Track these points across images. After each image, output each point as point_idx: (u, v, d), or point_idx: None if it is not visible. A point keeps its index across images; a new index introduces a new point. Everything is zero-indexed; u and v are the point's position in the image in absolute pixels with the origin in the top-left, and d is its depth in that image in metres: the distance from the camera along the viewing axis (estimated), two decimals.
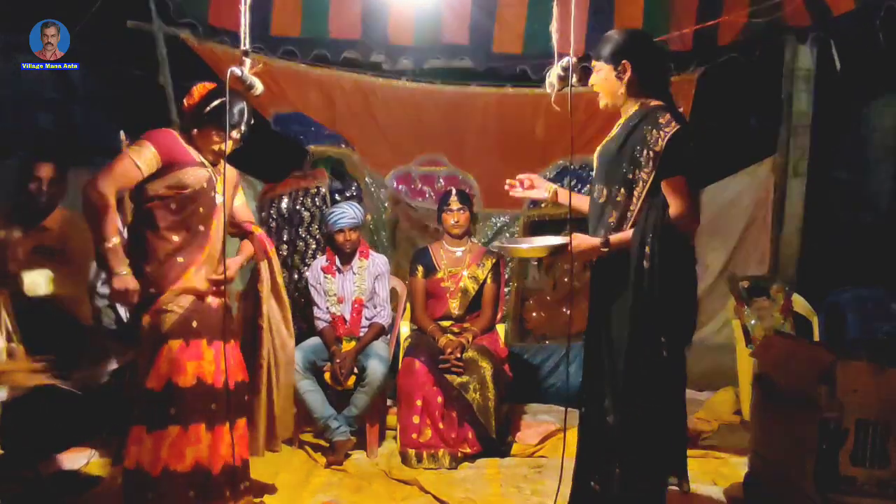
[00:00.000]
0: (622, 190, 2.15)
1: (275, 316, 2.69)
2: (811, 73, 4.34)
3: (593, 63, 2.23)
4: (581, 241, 2.18)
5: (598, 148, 2.31)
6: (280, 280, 2.73)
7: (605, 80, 2.21)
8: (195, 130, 2.44)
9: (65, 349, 3.00)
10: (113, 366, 3.11)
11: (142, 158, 2.30)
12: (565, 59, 2.10)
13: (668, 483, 2.27)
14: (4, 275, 2.97)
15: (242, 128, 2.47)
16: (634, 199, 2.13)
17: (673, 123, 2.06)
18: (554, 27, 2.07)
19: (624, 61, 2.16)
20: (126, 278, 2.29)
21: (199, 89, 2.46)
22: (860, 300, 3.97)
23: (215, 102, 2.39)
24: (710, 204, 4.61)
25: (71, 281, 3.13)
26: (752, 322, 3.98)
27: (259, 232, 2.68)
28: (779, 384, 2.70)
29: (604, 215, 2.21)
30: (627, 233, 2.12)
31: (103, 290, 3.66)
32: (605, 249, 2.14)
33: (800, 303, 4.10)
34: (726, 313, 4.48)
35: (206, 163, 2.46)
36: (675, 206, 2.06)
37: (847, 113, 4.64)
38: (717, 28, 4.08)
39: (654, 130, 2.07)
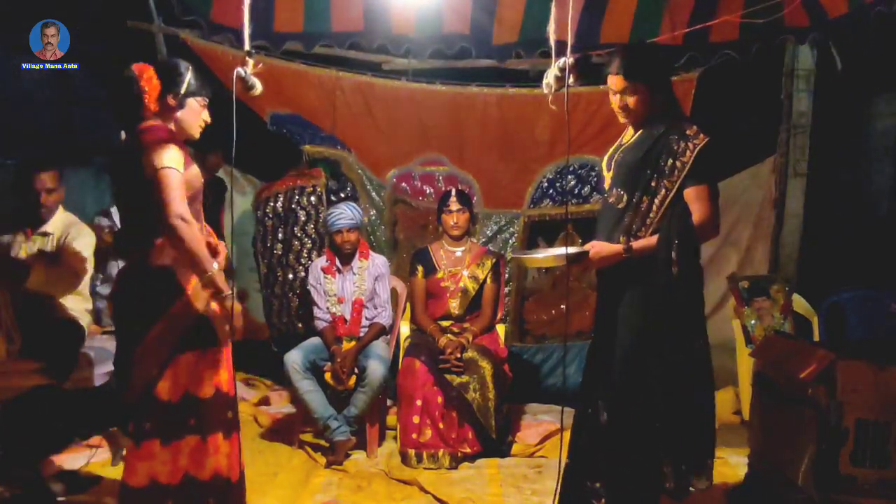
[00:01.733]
0: (644, 197, 2.17)
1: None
2: (811, 73, 4.34)
3: (620, 84, 2.19)
4: (601, 248, 2.20)
5: (613, 153, 2.31)
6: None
7: (643, 102, 2.19)
8: (178, 114, 2.28)
9: (63, 350, 3.01)
10: (109, 367, 3.10)
11: (178, 161, 2.15)
12: (562, 60, 2.10)
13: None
14: (6, 277, 2.98)
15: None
16: (655, 207, 2.16)
17: (701, 136, 2.12)
18: (551, 28, 2.07)
19: (662, 79, 2.22)
20: (227, 298, 2.22)
21: (148, 71, 2.24)
22: (860, 300, 3.97)
23: (188, 75, 2.28)
24: (722, 204, 4.59)
25: (70, 283, 3.13)
26: (752, 322, 3.98)
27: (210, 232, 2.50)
28: (779, 384, 2.70)
29: (622, 221, 2.21)
30: (651, 239, 2.14)
31: (103, 290, 3.68)
32: (627, 255, 2.16)
33: (800, 303, 4.10)
34: (726, 313, 4.48)
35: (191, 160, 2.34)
36: (698, 214, 2.11)
37: (847, 113, 4.63)
38: (709, 26, 4.06)
39: (682, 141, 2.12)
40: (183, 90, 2.27)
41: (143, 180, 2.14)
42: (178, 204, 2.10)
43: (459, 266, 3.78)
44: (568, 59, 2.06)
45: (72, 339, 3.09)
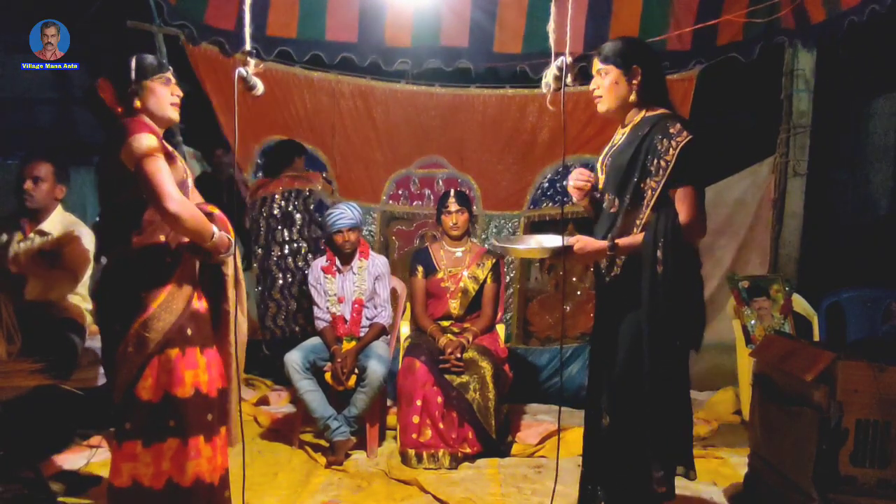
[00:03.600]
0: (632, 199, 2.15)
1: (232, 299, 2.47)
2: (811, 73, 4.35)
3: (597, 67, 2.20)
4: (585, 243, 2.17)
5: (604, 156, 2.29)
6: (239, 262, 2.51)
7: (614, 85, 2.18)
8: (142, 102, 2.22)
9: (64, 349, 3.01)
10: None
11: (156, 148, 2.13)
12: (560, 59, 2.09)
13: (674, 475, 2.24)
14: (6, 277, 2.97)
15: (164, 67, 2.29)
16: (643, 208, 2.13)
17: (684, 133, 2.06)
18: (551, 27, 2.06)
19: (635, 66, 2.15)
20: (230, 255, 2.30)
21: (101, 81, 2.24)
22: (860, 300, 3.97)
23: (134, 62, 2.22)
24: (715, 204, 4.62)
25: (70, 283, 3.13)
26: (752, 322, 3.98)
27: (218, 212, 2.42)
28: (779, 384, 2.70)
29: (614, 225, 2.19)
30: (637, 237, 2.11)
31: None
32: (612, 253, 2.14)
33: (800, 303, 4.10)
34: (726, 313, 4.48)
35: (176, 153, 2.29)
36: (683, 215, 2.07)
37: (847, 113, 4.64)
38: (716, 28, 4.08)
39: (665, 140, 2.08)
40: (133, 78, 2.21)
41: (122, 176, 2.12)
42: (169, 186, 2.08)
43: (459, 266, 3.78)
44: (566, 59, 2.06)
45: (73, 339, 3.10)
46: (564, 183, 2.41)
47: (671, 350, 2.11)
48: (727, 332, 4.21)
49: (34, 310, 2.95)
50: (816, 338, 3.96)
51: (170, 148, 2.25)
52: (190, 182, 2.34)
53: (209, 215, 2.33)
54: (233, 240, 2.35)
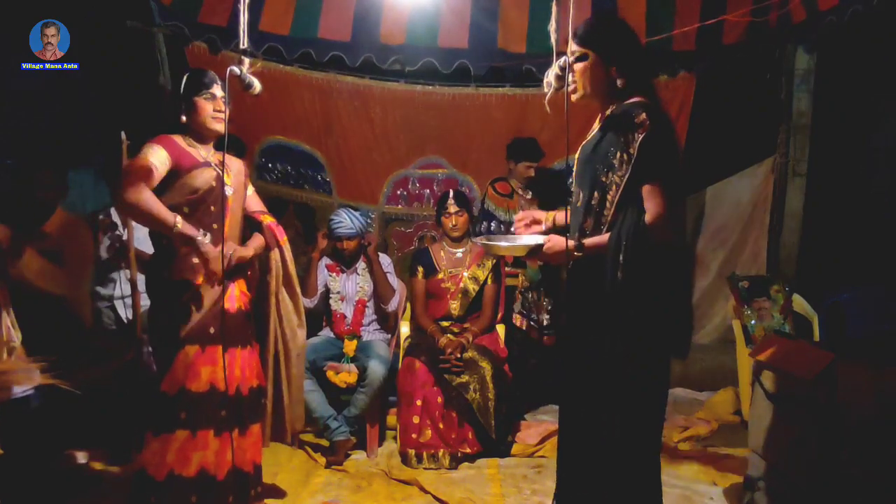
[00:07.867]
0: (596, 194, 2.01)
1: (286, 307, 2.62)
2: (811, 73, 4.35)
3: (571, 47, 2.05)
4: (555, 242, 2.05)
5: (579, 150, 2.18)
6: (293, 270, 2.64)
7: (591, 72, 2.03)
8: (184, 118, 2.43)
9: (65, 349, 3.01)
10: (113, 366, 3.10)
11: (155, 157, 2.30)
12: (563, 59, 2.05)
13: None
14: (6, 276, 2.97)
15: (217, 89, 2.44)
16: (608, 205, 1.99)
17: (647, 123, 1.90)
18: (553, 26, 2.04)
19: (609, 52, 2.00)
20: (206, 244, 2.32)
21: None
22: (860, 300, 3.96)
23: (184, 81, 2.42)
24: (714, 205, 4.63)
25: (71, 282, 3.13)
26: (752, 322, 3.98)
27: (269, 221, 2.60)
28: (779, 384, 2.70)
29: (581, 221, 2.07)
30: (604, 237, 1.98)
31: (104, 291, 3.67)
32: (579, 254, 2.00)
33: (800, 303, 4.10)
34: (726, 313, 4.47)
35: (212, 162, 2.43)
36: (649, 214, 1.92)
37: (847, 113, 4.64)
38: (721, 28, 4.08)
39: (630, 132, 1.93)
40: (182, 95, 2.42)
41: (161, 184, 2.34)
42: (126, 185, 2.24)
43: (460, 267, 3.78)
44: (569, 58, 2.03)
45: (75, 338, 3.10)
46: (568, 183, 2.37)
47: (634, 361, 1.94)
48: (727, 332, 4.21)
49: (36, 308, 2.95)
50: (816, 338, 3.96)
51: (201, 159, 2.42)
52: (228, 191, 2.46)
53: (257, 223, 2.56)
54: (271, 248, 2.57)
